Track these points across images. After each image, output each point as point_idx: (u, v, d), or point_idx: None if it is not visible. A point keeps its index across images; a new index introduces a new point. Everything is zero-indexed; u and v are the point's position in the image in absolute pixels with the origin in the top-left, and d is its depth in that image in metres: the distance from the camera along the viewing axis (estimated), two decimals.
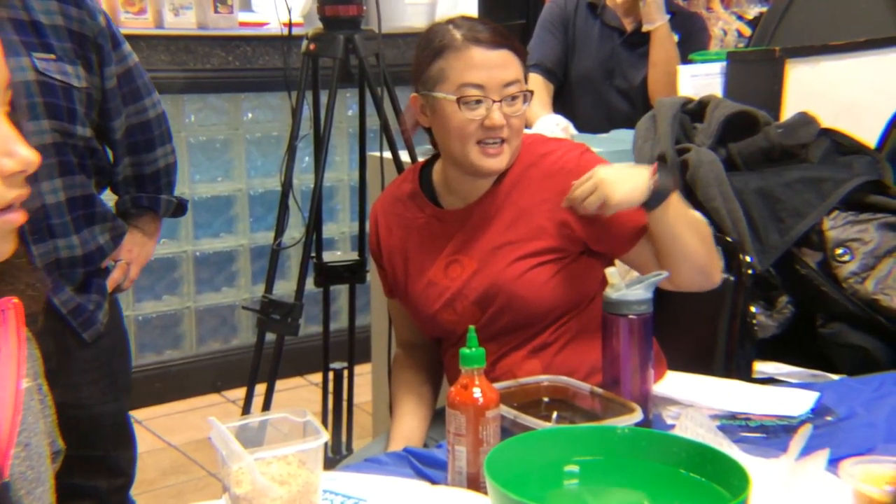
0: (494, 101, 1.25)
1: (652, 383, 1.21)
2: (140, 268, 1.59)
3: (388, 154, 2.00)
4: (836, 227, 1.53)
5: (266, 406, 1.90)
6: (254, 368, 1.95)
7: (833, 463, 0.95)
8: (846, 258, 1.49)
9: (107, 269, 1.50)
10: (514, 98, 1.26)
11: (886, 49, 1.88)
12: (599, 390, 1.18)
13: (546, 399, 1.21)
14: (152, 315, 2.99)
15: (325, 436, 0.91)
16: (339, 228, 3.24)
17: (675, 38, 2.32)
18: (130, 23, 2.79)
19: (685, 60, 2.23)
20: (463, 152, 1.27)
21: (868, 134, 1.76)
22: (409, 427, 1.37)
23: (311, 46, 1.91)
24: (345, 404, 2.17)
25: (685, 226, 1.25)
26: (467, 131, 1.26)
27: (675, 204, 1.25)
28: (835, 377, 1.40)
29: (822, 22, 2.28)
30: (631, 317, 1.16)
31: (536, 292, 1.30)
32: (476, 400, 1.02)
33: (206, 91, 2.96)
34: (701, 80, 2.07)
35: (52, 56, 1.34)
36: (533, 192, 1.31)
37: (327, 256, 2.15)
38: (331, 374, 2.16)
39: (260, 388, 1.96)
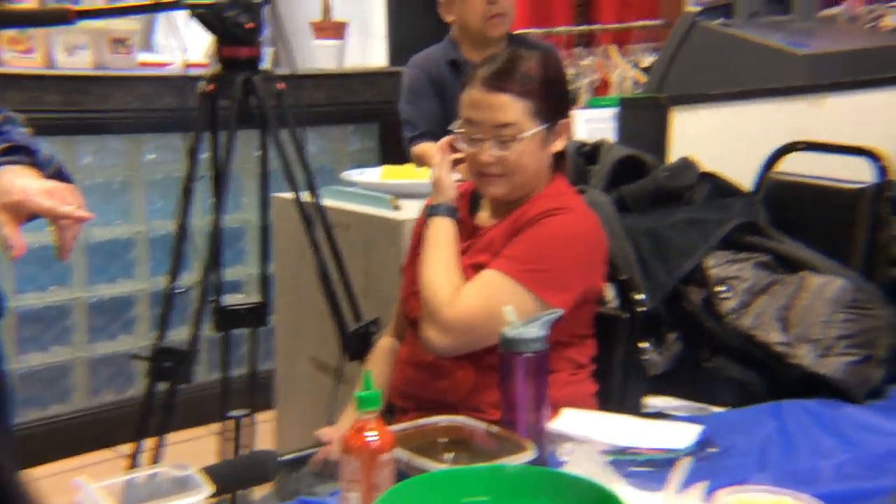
0: None
1: (547, 420, 1.22)
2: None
3: (291, 195, 1.98)
4: (717, 265, 1.61)
5: (156, 459, 1.83)
6: (142, 420, 1.87)
7: (712, 494, 0.98)
8: (728, 295, 1.56)
9: None
10: None
11: (758, 100, 2.02)
12: (495, 429, 1.19)
13: (443, 440, 1.21)
14: (38, 368, 2.82)
15: (206, 489, 0.88)
16: (247, 270, 3.17)
17: None
18: (16, 62, 2.69)
19: None
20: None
21: (742, 178, 1.87)
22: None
23: (209, 87, 1.90)
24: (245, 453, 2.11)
25: None
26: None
27: None
28: (718, 409, 1.46)
29: (706, 71, 2.42)
30: (528, 355, 1.18)
31: None
32: (370, 444, 1.01)
33: (104, 132, 2.87)
34: (595, 124, 2.16)
35: None
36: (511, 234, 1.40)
37: (228, 299, 2.10)
38: (231, 423, 2.10)
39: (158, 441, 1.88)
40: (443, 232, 1.41)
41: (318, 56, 3.38)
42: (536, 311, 1.29)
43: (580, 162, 1.90)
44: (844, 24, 2.83)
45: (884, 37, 2.75)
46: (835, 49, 2.46)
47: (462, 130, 1.40)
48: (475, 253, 1.41)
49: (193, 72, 1.96)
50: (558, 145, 1.43)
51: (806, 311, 1.47)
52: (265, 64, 1.96)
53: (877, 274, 1.70)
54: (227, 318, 2.08)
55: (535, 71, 1.39)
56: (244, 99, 1.89)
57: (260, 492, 1.66)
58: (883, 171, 1.81)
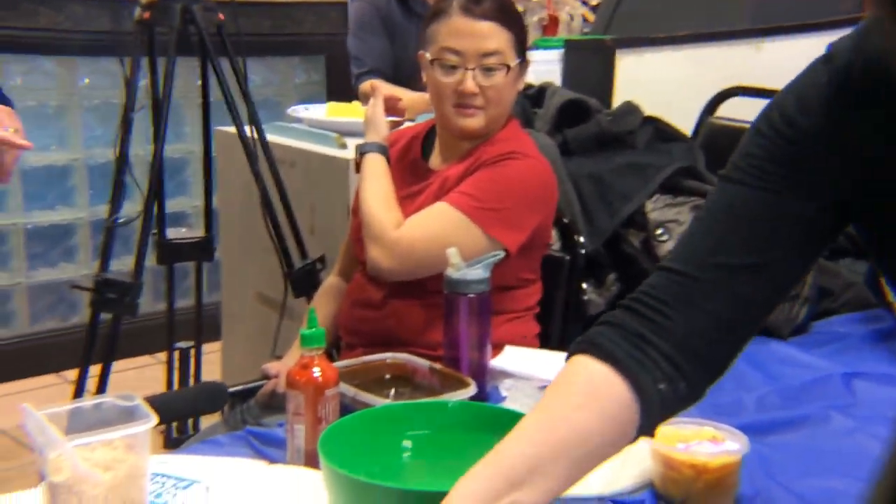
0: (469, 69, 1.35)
1: (489, 358, 1.27)
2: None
3: (234, 129, 1.95)
4: (656, 209, 1.66)
5: (101, 388, 1.84)
6: (86, 350, 1.87)
7: None
8: (665, 238, 1.62)
9: None
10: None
11: (701, 43, 2.04)
12: (438, 366, 1.23)
13: (388, 376, 1.26)
14: None
15: (153, 419, 0.90)
16: (191, 202, 3.11)
17: None
18: None
19: None
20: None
21: (684, 122, 1.91)
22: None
23: (145, 15, 1.83)
24: (192, 383, 2.13)
25: None
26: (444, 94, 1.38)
27: None
28: None
29: (655, 11, 2.44)
30: (470, 295, 1.22)
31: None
32: (315, 379, 1.04)
33: (33, 51, 2.75)
34: (541, 66, 2.16)
35: None
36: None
37: (171, 233, 2.08)
38: (177, 353, 2.11)
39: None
40: (378, 167, 1.42)
41: None
42: (485, 249, 1.32)
43: (525, 104, 1.91)
44: None
45: None
46: None
47: (435, 59, 1.37)
48: (430, 195, 1.42)
49: None
50: (521, 84, 1.43)
51: None
52: None
53: None
54: (171, 252, 2.07)
55: (510, 4, 1.40)
56: (183, 28, 1.84)
57: (207, 420, 1.69)
58: None
